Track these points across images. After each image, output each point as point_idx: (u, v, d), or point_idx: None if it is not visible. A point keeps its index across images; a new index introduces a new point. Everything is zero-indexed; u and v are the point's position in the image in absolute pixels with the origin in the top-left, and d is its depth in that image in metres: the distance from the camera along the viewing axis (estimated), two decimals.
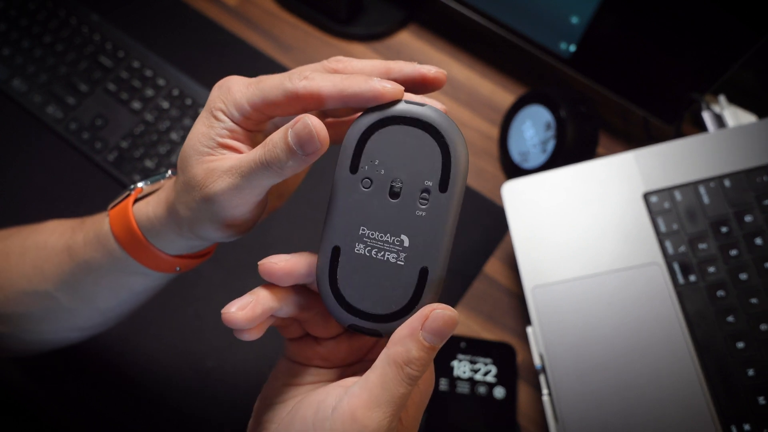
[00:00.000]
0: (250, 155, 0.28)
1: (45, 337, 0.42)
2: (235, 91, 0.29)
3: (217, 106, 0.30)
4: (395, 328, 0.27)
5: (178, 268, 0.36)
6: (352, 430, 0.26)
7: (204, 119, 0.30)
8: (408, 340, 0.26)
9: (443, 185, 0.27)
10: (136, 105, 0.63)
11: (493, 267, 0.59)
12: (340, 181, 0.28)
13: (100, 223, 0.37)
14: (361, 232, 0.28)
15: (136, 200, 0.36)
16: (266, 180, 0.28)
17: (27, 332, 0.41)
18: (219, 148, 0.30)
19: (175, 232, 0.33)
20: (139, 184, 0.37)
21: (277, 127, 0.32)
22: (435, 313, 0.27)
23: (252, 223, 0.33)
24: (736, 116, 0.53)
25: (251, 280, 0.58)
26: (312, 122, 0.26)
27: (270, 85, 0.29)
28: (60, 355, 0.49)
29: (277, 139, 0.27)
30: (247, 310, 0.28)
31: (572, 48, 0.59)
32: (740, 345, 0.43)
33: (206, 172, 0.29)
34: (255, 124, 0.30)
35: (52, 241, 0.39)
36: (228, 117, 0.30)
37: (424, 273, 0.28)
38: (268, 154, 0.27)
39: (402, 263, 0.28)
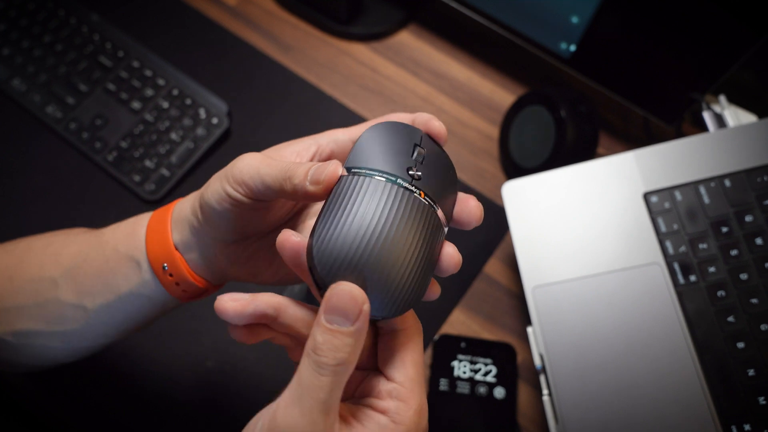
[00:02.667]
0: (283, 161, 0.31)
1: (29, 340, 0.40)
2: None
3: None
4: None
5: (165, 266, 0.36)
6: None
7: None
8: (313, 326, 0.26)
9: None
10: (136, 105, 0.63)
11: (493, 267, 0.59)
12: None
13: (145, 217, 0.38)
14: None
15: None
16: (276, 185, 0.30)
17: (15, 335, 0.40)
18: None
19: (191, 219, 0.35)
20: None
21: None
22: (331, 289, 0.26)
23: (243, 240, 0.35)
24: (736, 116, 0.53)
25: (251, 283, 0.57)
26: (331, 164, 0.29)
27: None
28: None
29: (305, 164, 0.30)
30: (238, 303, 0.29)
31: (572, 48, 0.58)
32: (740, 345, 0.43)
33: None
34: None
35: (84, 232, 0.40)
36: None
37: None
38: (293, 165, 0.30)
39: None
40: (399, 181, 0.29)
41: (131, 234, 0.37)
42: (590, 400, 0.44)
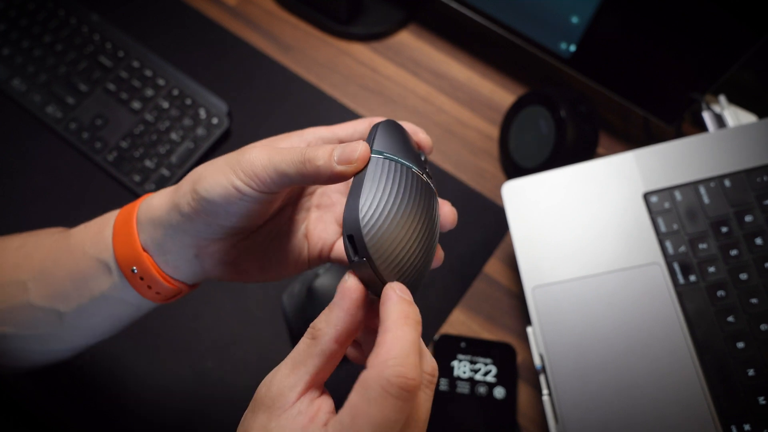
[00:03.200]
0: (293, 147, 0.31)
1: (9, 348, 0.40)
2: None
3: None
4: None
5: (134, 269, 0.35)
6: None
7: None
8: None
9: None
10: (136, 105, 0.63)
11: (493, 267, 0.59)
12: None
13: (112, 215, 0.37)
14: None
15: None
16: (293, 171, 0.30)
17: None
18: None
19: (171, 198, 0.34)
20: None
21: None
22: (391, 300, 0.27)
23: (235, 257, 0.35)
24: (736, 116, 0.53)
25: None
26: (362, 144, 0.30)
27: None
28: None
29: (325, 146, 0.30)
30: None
31: (572, 48, 0.58)
32: (740, 345, 0.43)
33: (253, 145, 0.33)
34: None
35: (57, 232, 0.39)
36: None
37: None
38: (310, 149, 0.30)
39: None
40: (424, 176, 0.32)
41: (98, 234, 0.36)
42: (590, 400, 0.44)
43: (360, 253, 0.27)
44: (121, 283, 0.35)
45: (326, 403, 0.27)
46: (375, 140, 0.31)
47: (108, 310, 0.37)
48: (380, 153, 0.30)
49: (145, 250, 0.34)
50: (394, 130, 0.33)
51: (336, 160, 0.29)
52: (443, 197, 0.35)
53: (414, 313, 0.27)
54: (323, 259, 0.39)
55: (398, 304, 0.27)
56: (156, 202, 0.34)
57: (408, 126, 0.36)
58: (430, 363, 0.27)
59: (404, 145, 0.33)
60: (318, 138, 0.35)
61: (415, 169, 0.31)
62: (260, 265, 0.37)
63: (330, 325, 0.28)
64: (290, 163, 0.30)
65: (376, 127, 0.32)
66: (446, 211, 0.35)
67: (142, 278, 0.35)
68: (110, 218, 0.36)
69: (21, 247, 0.39)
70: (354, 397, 0.24)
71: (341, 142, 0.36)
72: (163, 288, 0.36)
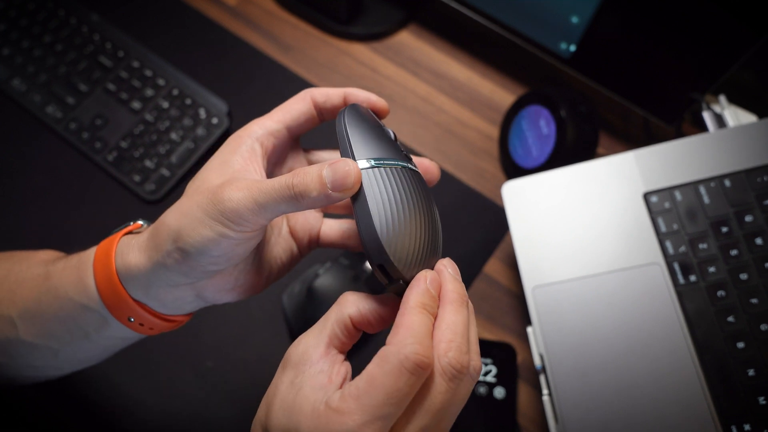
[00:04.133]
0: (274, 179, 0.29)
1: (3, 371, 0.40)
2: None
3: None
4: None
5: (131, 319, 0.34)
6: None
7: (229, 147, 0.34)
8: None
9: None
10: (136, 105, 0.63)
11: (493, 267, 0.59)
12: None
13: (88, 252, 0.35)
14: None
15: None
16: (283, 206, 0.29)
17: None
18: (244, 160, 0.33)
19: (152, 257, 0.32)
20: (140, 221, 0.36)
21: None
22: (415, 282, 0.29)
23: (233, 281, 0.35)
24: (736, 116, 0.53)
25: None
26: (351, 164, 0.29)
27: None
28: None
29: (310, 170, 0.29)
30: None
31: (572, 48, 0.58)
32: (740, 345, 0.43)
33: (224, 180, 0.31)
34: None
35: (36, 267, 0.37)
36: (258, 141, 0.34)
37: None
38: (297, 179, 0.29)
39: None
40: (409, 165, 0.32)
41: (80, 283, 0.34)
42: (590, 400, 0.44)
43: (394, 275, 0.30)
44: (120, 327, 0.35)
45: (345, 367, 0.30)
46: (353, 146, 0.31)
47: (108, 343, 0.37)
48: (367, 160, 0.30)
49: (138, 302, 0.34)
50: (360, 120, 0.33)
51: (330, 188, 0.29)
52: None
53: (431, 304, 0.29)
54: (314, 246, 0.39)
55: (419, 294, 0.29)
56: (133, 262, 0.32)
57: (355, 95, 0.35)
58: (478, 360, 0.29)
59: (377, 135, 0.32)
60: (267, 134, 0.34)
61: (401, 164, 0.31)
62: (258, 277, 0.36)
63: (354, 307, 0.30)
64: (278, 198, 0.29)
65: (344, 126, 0.32)
66: (427, 166, 0.36)
67: (141, 324, 0.35)
68: (86, 266, 0.34)
69: (5, 277, 0.37)
70: (372, 367, 0.27)
71: (289, 127, 0.35)
72: (164, 326, 0.36)
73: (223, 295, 0.35)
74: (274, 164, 0.37)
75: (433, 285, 0.29)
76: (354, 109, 0.33)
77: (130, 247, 0.33)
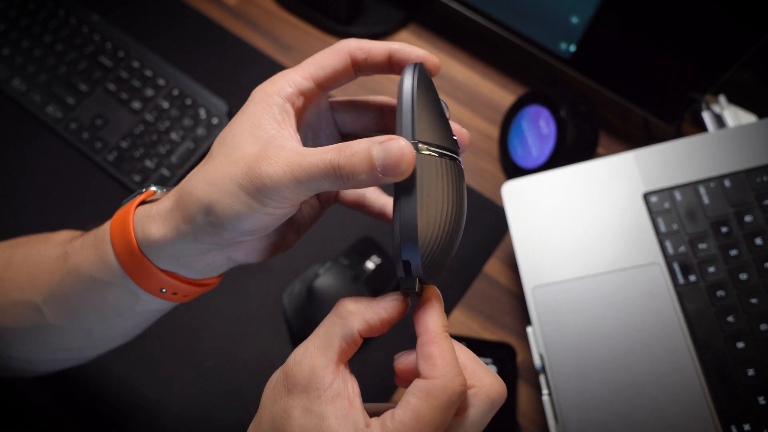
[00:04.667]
0: (317, 153, 0.27)
1: (33, 357, 0.39)
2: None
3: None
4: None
5: (163, 290, 0.32)
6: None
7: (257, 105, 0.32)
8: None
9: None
10: (136, 105, 0.63)
11: (493, 267, 0.59)
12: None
13: (104, 227, 0.33)
14: None
15: (145, 202, 0.33)
16: (327, 184, 0.27)
17: (15, 350, 0.38)
18: (279, 124, 0.30)
19: (179, 228, 0.30)
20: (153, 188, 0.34)
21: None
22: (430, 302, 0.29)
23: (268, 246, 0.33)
24: (736, 116, 0.53)
25: (251, 281, 0.57)
26: (405, 146, 0.26)
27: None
28: None
29: (358, 149, 0.26)
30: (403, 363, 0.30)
31: (572, 48, 0.59)
32: (740, 345, 0.43)
33: (259, 148, 0.28)
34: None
35: (53, 249, 0.36)
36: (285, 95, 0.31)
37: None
38: (343, 159, 0.26)
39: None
40: (460, 160, 0.30)
41: (100, 261, 0.33)
42: (590, 400, 0.44)
43: (414, 273, 0.28)
44: (150, 299, 0.34)
45: (353, 381, 0.29)
46: (416, 123, 0.27)
47: (139, 318, 0.36)
48: (426, 144, 0.27)
49: (167, 272, 0.32)
50: (426, 89, 0.29)
51: (380, 171, 0.26)
52: None
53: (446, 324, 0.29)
54: (332, 202, 0.37)
55: (440, 317, 0.29)
56: (158, 234, 0.30)
57: (411, 54, 0.31)
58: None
59: (438, 112, 0.29)
60: (297, 92, 0.31)
61: (456, 158, 0.29)
62: (288, 235, 0.35)
63: (361, 319, 0.29)
64: (320, 178, 0.26)
65: (412, 95, 0.28)
66: (462, 137, 0.32)
67: (175, 293, 0.33)
68: (105, 244, 0.32)
69: (23, 262, 0.37)
70: (416, 402, 0.26)
71: (321, 85, 0.31)
72: (198, 291, 0.34)
73: (256, 255, 0.34)
74: (301, 126, 0.34)
75: (441, 302, 0.29)
76: (423, 74, 0.29)
77: (150, 218, 0.31)
